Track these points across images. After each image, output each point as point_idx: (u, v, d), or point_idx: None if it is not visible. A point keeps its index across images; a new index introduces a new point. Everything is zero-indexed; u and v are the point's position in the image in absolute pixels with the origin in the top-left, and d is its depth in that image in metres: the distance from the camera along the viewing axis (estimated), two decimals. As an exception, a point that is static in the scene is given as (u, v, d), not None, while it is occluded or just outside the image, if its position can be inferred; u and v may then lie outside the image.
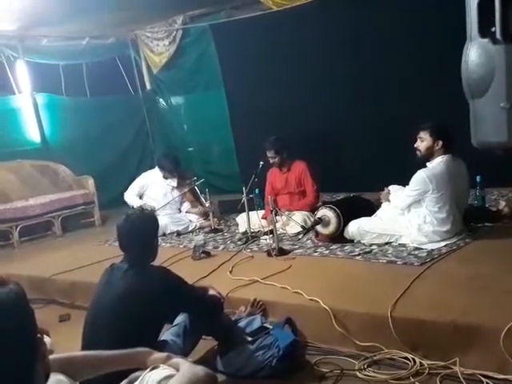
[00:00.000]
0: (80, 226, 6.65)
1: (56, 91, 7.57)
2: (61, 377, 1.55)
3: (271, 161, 5.16)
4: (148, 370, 1.65)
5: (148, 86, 8.40)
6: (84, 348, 2.54)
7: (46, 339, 2.88)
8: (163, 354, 1.72)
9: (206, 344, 3.04)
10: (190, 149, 8.11)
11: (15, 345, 1.17)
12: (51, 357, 1.66)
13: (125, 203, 5.95)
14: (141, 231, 2.70)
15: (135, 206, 5.66)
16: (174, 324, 2.85)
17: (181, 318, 2.85)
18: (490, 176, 4.61)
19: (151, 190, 5.89)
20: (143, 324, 2.52)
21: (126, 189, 6.02)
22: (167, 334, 2.80)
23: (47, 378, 1.30)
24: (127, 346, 1.79)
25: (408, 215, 4.02)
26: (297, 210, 4.99)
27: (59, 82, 7.54)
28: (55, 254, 5.45)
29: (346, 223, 4.20)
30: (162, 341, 2.71)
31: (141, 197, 5.91)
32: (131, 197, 5.86)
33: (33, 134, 7.33)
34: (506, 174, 4.84)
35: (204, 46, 7.41)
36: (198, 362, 2.60)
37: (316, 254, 4.15)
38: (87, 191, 6.77)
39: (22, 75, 7.24)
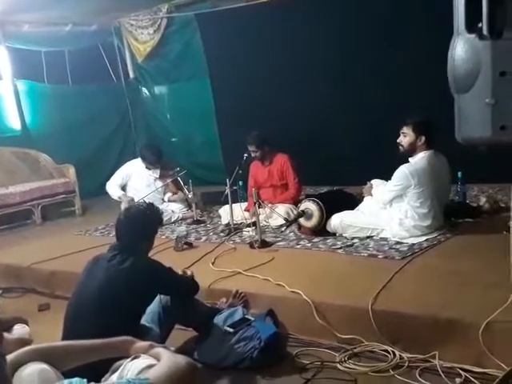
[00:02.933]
0: (60, 215, 6.57)
1: (37, 78, 7.44)
2: (44, 366, 1.54)
3: (253, 155, 5.15)
4: (129, 359, 1.65)
5: (131, 75, 8.32)
6: (65, 337, 2.53)
7: (25, 328, 2.86)
8: (146, 343, 1.72)
9: (186, 334, 3.04)
10: (174, 139, 8.06)
11: None
12: (32, 347, 1.64)
13: (106, 193, 5.90)
14: (146, 222, 2.79)
15: (116, 197, 5.68)
16: (147, 312, 2.85)
17: (152, 308, 2.84)
18: (471, 172, 4.66)
19: (134, 180, 5.83)
20: (127, 308, 2.55)
21: (108, 178, 5.97)
22: (142, 322, 2.80)
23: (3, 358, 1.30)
24: (111, 331, 1.79)
25: (390, 209, 4.05)
26: (279, 202, 4.99)
27: (41, 68, 7.41)
28: (35, 242, 5.38)
29: (328, 216, 4.22)
30: (144, 326, 2.73)
31: (124, 187, 5.86)
32: (113, 187, 5.81)
33: (13, 121, 7.21)
34: (486, 171, 4.90)
35: (189, 35, 7.35)
36: (177, 352, 2.60)
37: (298, 246, 4.16)
38: (68, 180, 6.68)
39: (2, 61, 7.10)
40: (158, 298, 2.85)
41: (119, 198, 5.74)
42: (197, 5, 7.12)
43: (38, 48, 7.37)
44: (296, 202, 4.82)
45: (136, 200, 5.23)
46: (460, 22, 1.77)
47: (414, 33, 5.36)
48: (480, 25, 1.71)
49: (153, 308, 2.84)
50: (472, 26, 1.76)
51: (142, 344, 1.72)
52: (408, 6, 5.36)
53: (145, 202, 2.98)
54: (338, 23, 5.92)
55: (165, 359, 1.60)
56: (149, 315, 2.82)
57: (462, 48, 1.77)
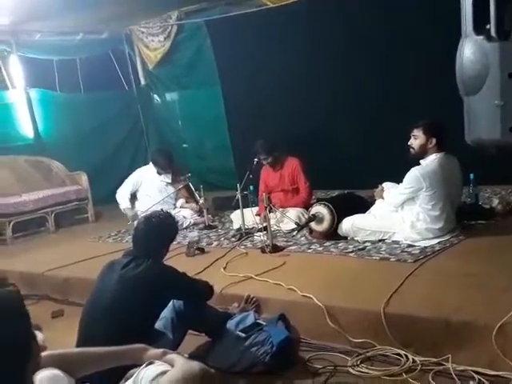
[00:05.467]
0: (74, 222, 6.61)
1: (50, 86, 7.52)
2: (57, 371, 1.55)
3: (265, 162, 5.17)
4: (143, 365, 1.66)
5: (142, 82, 8.37)
6: (80, 342, 2.55)
7: (39, 335, 2.88)
8: (159, 350, 1.73)
9: (199, 340, 3.05)
10: (185, 145, 8.09)
11: (10, 345, 1.18)
12: (46, 353, 1.65)
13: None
14: (165, 232, 2.87)
15: (121, 208, 5.71)
16: (160, 318, 2.86)
17: (165, 313, 2.86)
18: (483, 174, 4.63)
19: (146, 186, 5.84)
20: (140, 313, 2.58)
21: (120, 185, 5.96)
22: (155, 327, 2.81)
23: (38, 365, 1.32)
24: (125, 337, 1.79)
25: (401, 212, 4.04)
26: (290, 206, 4.99)
27: (53, 77, 7.49)
28: (48, 250, 5.42)
29: (339, 220, 4.21)
30: (157, 331, 2.74)
31: (135, 193, 5.87)
32: (122, 196, 5.80)
33: (26, 129, 7.28)
34: (498, 172, 4.86)
35: (199, 42, 7.39)
36: (189, 357, 2.60)
37: (310, 250, 4.16)
38: (81, 187, 6.72)
39: (15, 70, 7.19)
40: (171, 303, 2.87)
41: (124, 210, 5.76)
42: (206, 11, 7.16)
43: (50, 57, 7.45)
44: (307, 206, 4.81)
45: (145, 209, 5.21)
46: (468, 23, 1.77)
47: (424, 35, 5.34)
48: (488, 26, 1.71)
49: (166, 314, 2.85)
50: (480, 27, 1.76)
51: (155, 351, 1.72)
52: (415, 8, 5.34)
53: (163, 211, 3.01)
54: (348, 26, 5.92)
55: (178, 365, 1.61)
56: (162, 321, 2.83)
57: (470, 50, 1.76)
